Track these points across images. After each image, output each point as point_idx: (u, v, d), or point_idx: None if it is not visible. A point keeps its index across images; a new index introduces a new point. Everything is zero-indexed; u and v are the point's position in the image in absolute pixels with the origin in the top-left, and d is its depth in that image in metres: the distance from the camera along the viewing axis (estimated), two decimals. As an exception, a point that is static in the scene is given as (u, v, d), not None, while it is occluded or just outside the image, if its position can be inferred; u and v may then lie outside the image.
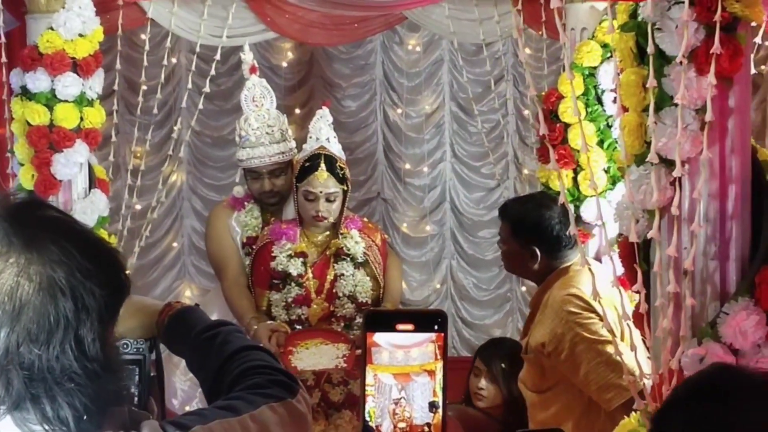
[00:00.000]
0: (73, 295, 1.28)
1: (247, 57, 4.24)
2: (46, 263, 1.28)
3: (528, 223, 3.39)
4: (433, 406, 1.05)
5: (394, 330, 1.06)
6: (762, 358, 2.25)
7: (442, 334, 1.07)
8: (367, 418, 1.05)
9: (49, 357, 1.27)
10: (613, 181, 3.99)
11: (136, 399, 1.71)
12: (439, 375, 1.06)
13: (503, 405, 3.75)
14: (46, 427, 1.28)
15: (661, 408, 1.69)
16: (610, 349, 3.05)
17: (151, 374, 1.77)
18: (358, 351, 3.79)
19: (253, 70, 4.21)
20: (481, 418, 3.60)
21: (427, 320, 1.07)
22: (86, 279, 1.30)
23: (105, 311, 1.32)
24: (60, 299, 1.28)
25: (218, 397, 1.53)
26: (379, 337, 1.06)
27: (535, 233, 3.36)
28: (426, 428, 1.05)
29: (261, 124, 4.07)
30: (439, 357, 1.06)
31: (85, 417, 1.29)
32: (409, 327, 1.06)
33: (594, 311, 3.07)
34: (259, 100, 4.11)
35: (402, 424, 1.05)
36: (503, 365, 3.81)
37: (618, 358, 3.07)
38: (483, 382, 3.78)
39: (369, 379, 1.06)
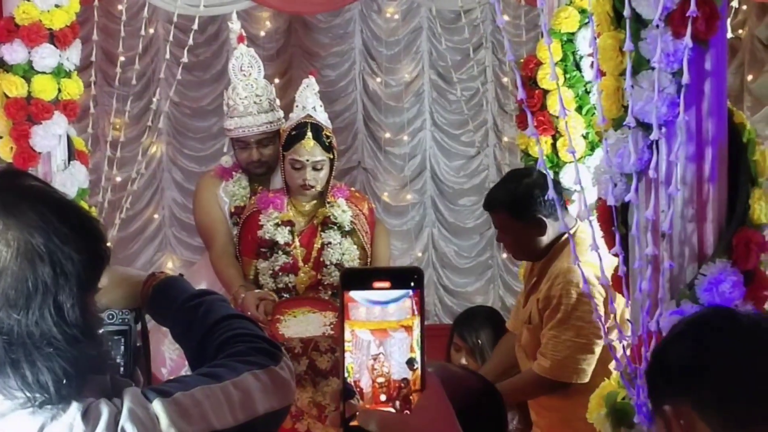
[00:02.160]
0: (51, 260, 1.29)
1: (235, 26, 4.22)
2: (23, 229, 1.29)
3: (519, 197, 3.35)
4: (412, 362, 1.06)
5: (371, 288, 1.07)
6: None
7: (419, 291, 1.07)
8: (346, 375, 1.06)
9: (28, 322, 1.28)
10: (592, 147, 3.99)
11: (122, 369, 1.71)
12: (417, 331, 1.06)
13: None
14: (27, 394, 1.29)
15: (663, 342, 1.75)
16: (592, 335, 3.13)
17: (137, 344, 1.77)
18: None
19: (240, 39, 4.19)
20: (461, 374, 3.61)
21: (404, 277, 1.07)
22: (64, 244, 1.31)
23: (84, 277, 1.33)
24: (38, 264, 1.28)
25: (202, 365, 1.53)
26: (356, 294, 1.06)
27: (531, 203, 3.31)
28: (403, 384, 1.06)
29: (249, 93, 4.06)
30: (416, 313, 1.06)
31: (64, 381, 1.30)
32: (386, 284, 1.07)
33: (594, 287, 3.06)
34: (247, 69, 4.10)
35: (380, 380, 1.06)
36: (479, 340, 3.82)
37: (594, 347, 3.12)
38: (464, 358, 3.81)
39: (347, 335, 1.06)
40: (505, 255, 7.74)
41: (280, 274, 3.91)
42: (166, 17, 6.64)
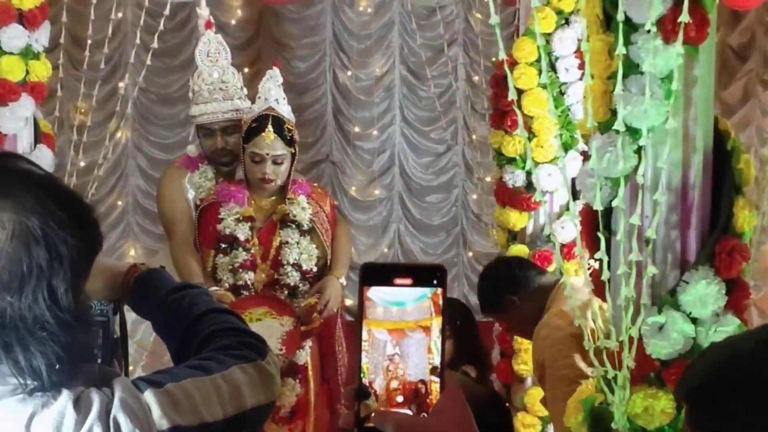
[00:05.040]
0: (46, 243, 1.26)
1: (203, 12, 4.15)
2: (19, 211, 1.26)
3: (486, 292, 3.37)
4: (436, 369, 1.03)
5: (391, 284, 1.03)
6: (720, 327, 2.27)
7: (441, 290, 1.03)
8: (361, 375, 1.03)
9: (22, 305, 1.25)
10: (565, 148, 3.99)
11: (99, 360, 1.67)
12: (435, 332, 1.03)
13: (459, 357, 3.85)
14: (19, 380, 1.27)
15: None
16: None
17: (115, 336, 1.74)
18: (303, 327, 3.74)
19: (208, 25, 4.12)
20: (468, 383, 3.65)
21: (426, 275, 1.04)
22: (60, 228, 1.28)
23: (78, 262, 1.30)
24: (33, 247, 1.26)
25: (186, 358, 1.52)
26: (374, 293, 1.02)
27: (498, 291, 3.31)
28: (420, 385, 1.03)
29: (215, 79, 3.99)
30: (435, 313, 1.03)
31: (57, 367, 1.27)
32: (408, 281, 1.03)
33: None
34: (214, 55, 4.04)
35: (396, 381, 1.02)
36: (458, 321, 3.90)
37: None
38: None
39: (364, 334, 1.03)
40: (470, 253, 7.73)
41: (240, 270, 3.83)
42: (135, 1, 6.54)
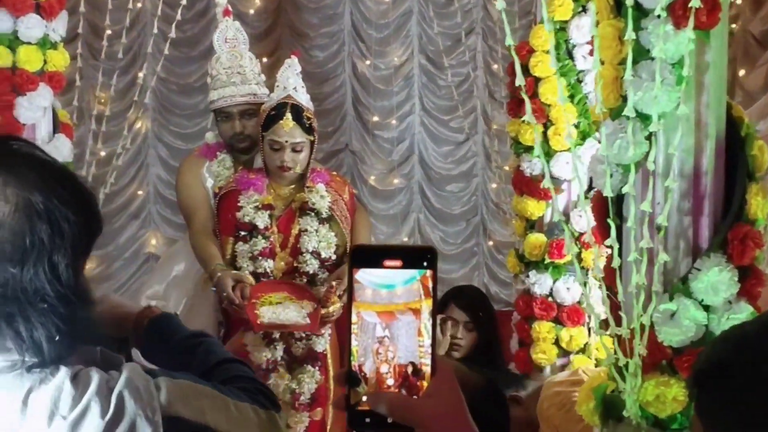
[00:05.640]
0: (49, 219, 1.30)
1: (221, 0, 4.16)
2: (23, 187, 1.30)
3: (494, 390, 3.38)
4: (417, 371, 1.03)
5: (381, 266, 1.02)
6: (733, 315, 2.25)
7: (431, 272, 1.03)
8: (351, 358, 1.03)
9: (23, 278, 1.28)
10: (583, 137, 3.96)
11: None
12: (425, 314, 1.03)
13: (477, 351, 3.85)
14: (20, 355, 1.29)
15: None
16: None
17: None
18: (323, 310, 3.74)
19: (226, 12, 4.13)
20: (464, 370, 3.63)
21: (417, 257, 1.03)
22: (62, 205, 1.31)
23: (79, 240, 1.33)
24: (36, 221, 1.29)
25: None
26: (363, 275, 1.02)
27: (505, 383, 3.36)
28: (410, 367, 1.03)
29: (232, 63, 4.00)
30: (425, 296, 1.02)
31: (57, 338, 1.30)
32: (397, 263, 1.02)
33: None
34: (231, 41, 4.04)
35: (384, 366, 1.02)
36: (480, 313, 3.89)
37: None
38: (461, 332, 3.85)
39: (353, 317, 1.03)
40: (491, 242, 7.71)
41: (259, 258, 3.84)
42: (154, -9, 6.56)
